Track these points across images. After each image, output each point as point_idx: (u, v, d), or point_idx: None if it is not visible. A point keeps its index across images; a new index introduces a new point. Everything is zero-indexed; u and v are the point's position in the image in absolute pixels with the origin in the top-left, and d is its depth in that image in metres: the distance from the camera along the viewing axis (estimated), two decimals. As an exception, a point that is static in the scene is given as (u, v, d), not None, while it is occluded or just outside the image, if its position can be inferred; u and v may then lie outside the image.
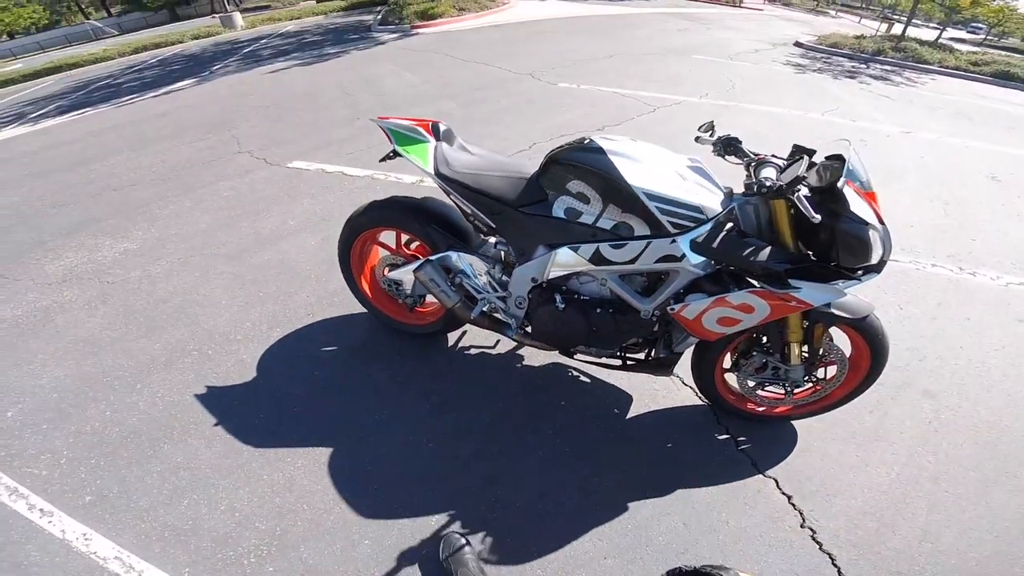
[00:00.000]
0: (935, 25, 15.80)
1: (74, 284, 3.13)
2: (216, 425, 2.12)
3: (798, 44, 11.21)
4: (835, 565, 1.62)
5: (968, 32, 32.86)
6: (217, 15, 25.59)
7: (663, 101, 5.72)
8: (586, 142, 1.64)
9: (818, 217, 1.31)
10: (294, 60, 9.29)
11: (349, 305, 2.70)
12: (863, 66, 9.48)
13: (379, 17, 13.12)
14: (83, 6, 37.09)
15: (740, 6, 20.85)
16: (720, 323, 1.60)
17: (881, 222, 1.40)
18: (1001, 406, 2.19)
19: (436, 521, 1.74)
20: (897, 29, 14.10)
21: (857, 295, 1.66)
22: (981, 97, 7.78)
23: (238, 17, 15.50)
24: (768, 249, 1.49)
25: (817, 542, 1.68)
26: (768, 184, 1.38)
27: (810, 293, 1.48)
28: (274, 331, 2.60)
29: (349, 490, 1.85)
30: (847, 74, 8.32)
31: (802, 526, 1.73)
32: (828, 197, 1.39)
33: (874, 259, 1.41)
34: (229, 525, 1.76)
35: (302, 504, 1.81)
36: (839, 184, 1.36)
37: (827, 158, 1.50)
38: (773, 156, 1.54)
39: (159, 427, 2.14)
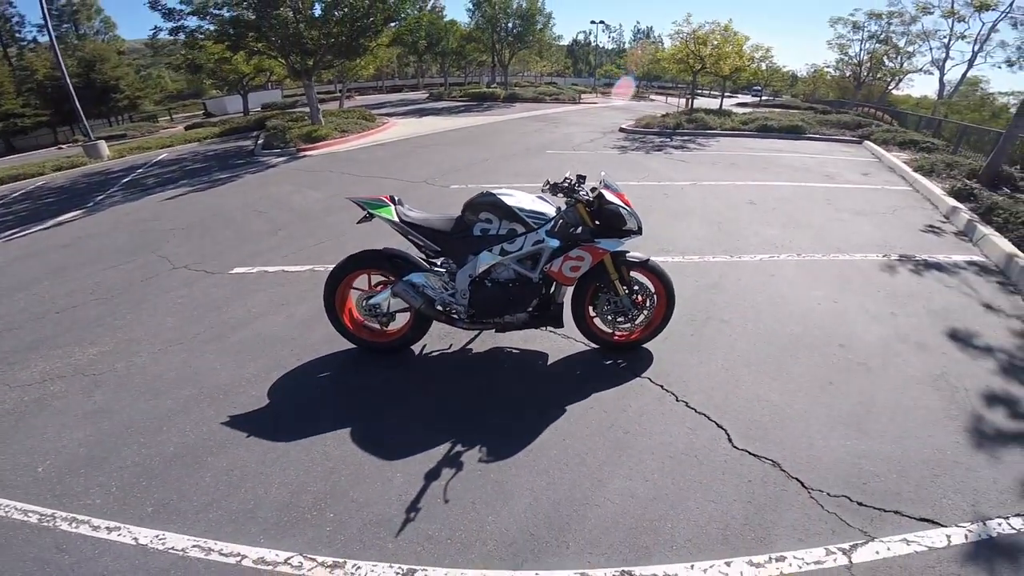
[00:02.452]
0: (724, 93, 20.69)
1: (57, 381, 3.37)
2: (249, 437, 2.74)
3: (622, 129, 14.26)
4: (711, 420, 2.75)
5: (752, 95, 40.57)
6: (64, 146, 24.52)
7: (529, 188, 7.40)
8: (484, 192, 2.98)
9: (586, 198, 2.89)
10: (186, 187, 9.70)
11: (331, 347, 3.52)
12: (668, 139, 12.49)
13: (261, 142, 13.99)
14: None
15: (580, 102, 25.35)
16: (572, 270, 2.92)
17: (628, 206, 2.88)
18: (771, 321, 3.75)
19: (444, 449, 2.60)
20: (696, 102, 18.39)
21: (637, 252, 3.19)
22: (748, 149, 10.80)
23: (103, 146, 15.09)
24: (581, 228, 2.91)
25: (692, 408, 2.85)
26: (564, 188, 2.88)
27: (605, 243, 2.94)
28: (272, 374, 3.30)
29: (373, 448, 2.63)
30: (656, 148, 11.08)
31: (677, 401, 2.91)
32: (599, 199, 2.89)
33: (631, 225, 2.88)
34: (286, 496, 2.34)
35: (340, 465, 2.52)
36: (601, 189, 2.85)
37: (599, 183, 2.98)
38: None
39: (198, 449, 2.66)
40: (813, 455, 2.49)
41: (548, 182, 2.99)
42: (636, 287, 3.15)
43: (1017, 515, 2.15)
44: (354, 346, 3.45)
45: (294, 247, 5.75)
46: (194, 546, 2.11)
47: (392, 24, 15.21)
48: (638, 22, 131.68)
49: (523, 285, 3.01)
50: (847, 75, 33.73)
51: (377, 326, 3.34)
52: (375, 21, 13.60)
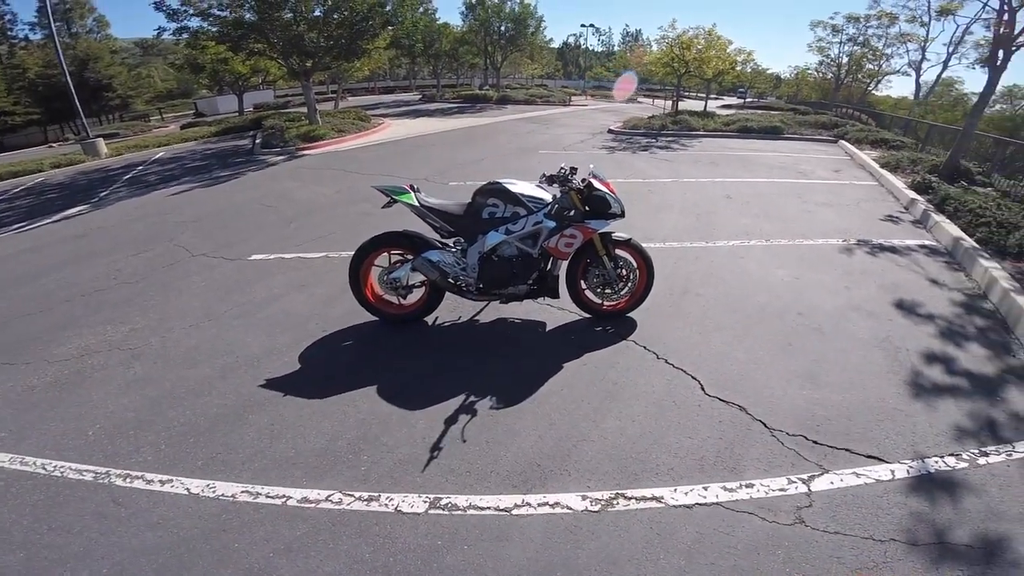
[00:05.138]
0: (710, 95, 21.31)
1: (95, 356, 3.65)
2: (285, 396, 3.11)
3: (610, 131, 14.76)
4: (687, 373, 3.20)
5: (738, 97, 41.09)
6: (55, 144, 24.52)
7: (523, 179, 8.04)
8: (491, 181, 3.44)
9: (578, 186, 3.37)
10: (190, 183, 9.95)
11: (352, 320, 3.92)
12: (653, 140, 13.03)
13: (259, 141, 14.25)
14: None
15: (570, 104, 25.92)
16: (566, 246, 3.38)
17: (613, 193, 3.34)
18: (739, 294, 4.18)
19: (459, 400, 3.01)
20: (682, 104, 19.02)
21: (620, 232, 3.64)
22: (729, 149, 11.38)
23: (101, 144, 15.29)
24: (573, 211, 3.35)
25: (671, 364, 3.29)
26: (559, 178, 3.35)
27: (594, 223, 3.39)
28: (300, 344, 3.69)
29: (397, 401, 3.03)
30: (642, 148, 11.64)
31: (658, 358, 3.35)
32: (589, 187, 3.37)
33: (615, 209, 3.35)
34: (323, 443, 2.70)
35: (370, 416, 2.91)
36: (590, 178, 3.31)
37: (589, 174, 3.44)
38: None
39: (240, 408, 3.00)
40: (774, 402, 2.91)
41: (544, 174, 3.47)
42: (621, 262, 3.63)
43: (951, 454, 2.50)
44: (374, 318, 3.87)
45: (307, 237, 6.12)
46: (243, 491, 2.39)
47: (390, 27, 15.57)
48: (627, 25, 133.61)
49: (525, 260, 3.47)
50: (828, 77, 34.52)
51: (395, 299, 3.76)
52: (374, 24, 13.97)
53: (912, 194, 7.06)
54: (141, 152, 15.66)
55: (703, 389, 3.05)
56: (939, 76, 29.82)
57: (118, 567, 2.05)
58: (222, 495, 2.38)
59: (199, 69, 25.42)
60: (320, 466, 2.56)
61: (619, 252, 3.62)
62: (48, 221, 8.03)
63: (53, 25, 15.03)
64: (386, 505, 2.32)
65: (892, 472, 2.42)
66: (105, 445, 2.76)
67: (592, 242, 3.48)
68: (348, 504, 2.32)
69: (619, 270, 3.62)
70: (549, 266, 3.59)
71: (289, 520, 2.25)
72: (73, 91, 15.11)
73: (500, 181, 3.47)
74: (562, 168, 3.42)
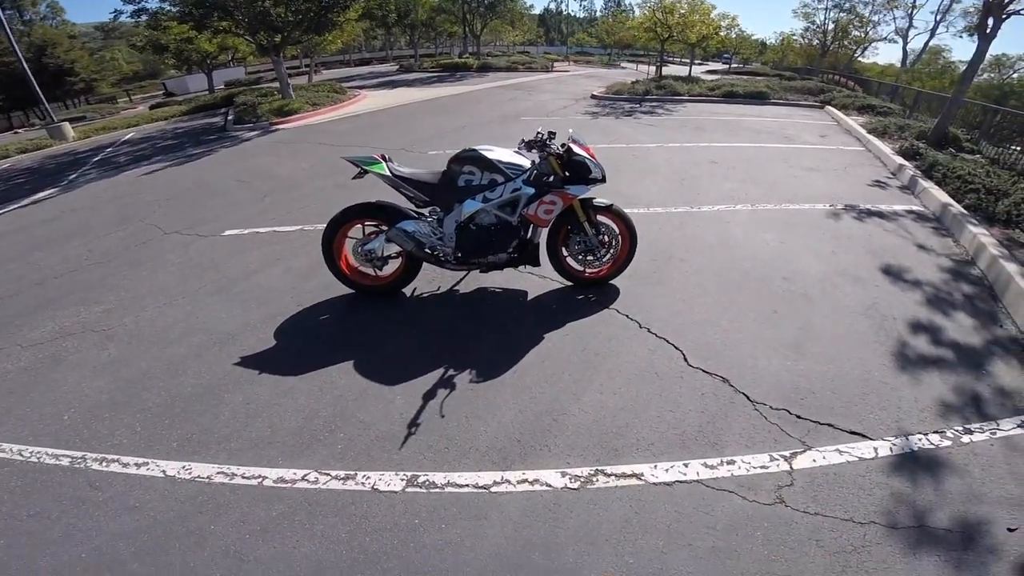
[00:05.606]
0: (695, 61, 20.91)
1: (68, 338, 3.55)
2: (260, 374, 3.03)
3: (594, 96, 14.48)
4: (669, 343, 3.14)
5: (723, 63, 40.45)
6: (20, 130, 23.63)
7: (506, 149, 7.83)
8: (467, 148, 3.30)
9: (557, 151, 3.21)
10: (162, 163, 9.59)
11: (329, 293, 3.82)
12: (637, 105, 12.79)
13: (232, 118, 13.76)
14: None
15: (552, 70, 25.36)
16: (546, 213, 3.28)
17: (593, 158, 3.23)
18: (724, 259, 4.17)
19: (438, 374, 2.94)
20: (666, 70, 18.69)
21: (601, 197, 3.55)
22: (714, 114, 11.20)
23: (68, 128, 14.67)
24: (553, 176, 3.24)
25: (653, 333, 3.23)
26: (538, 144, 3.22)
27: (574, 189, 3.28)
28: (276, 319, 3.59)
29: (374, 376, 2.96)
30: (626, 114, 11.40)
31: (640, 327, 3.29)
32: (568, 152, 3.25)
33: (596, 174, 3.24)
34: (300, 421, 2.64)
35: (346, 392, 2.84)
36: (569, 143, 3.20)
37: (568, 139, 3.33)
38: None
39: (216, 387, 2.93)
40: (757, 373, 2.84)
41: (523, 140, 3.33)
42: (603, 229, 3.54)
43: (935, 431, 2.44)
44: (351, 291, 3.77)
45: (282, 211, 5.94)
46: (218, 472, 2.36)
47: (361, -1, 14.98)
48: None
49: (504, 228, 3.36)
50: (814, 43, 34.03)
51: (371, 271, 3.66)
52: (343, -4, 13.41)
53: (900, 160, 6.99)
54: (110, 134, 15.09)
55: (686, 359, 2.99)
56: (926, 44, 29.69)
57: (97, 551, 2.05)
58: (197, 477, 2.35)
59: (162, 49, 24.37)
60: (296, 445, 2.51)
61: (601, 218, 3.52)
62: (16, 206, 7.72)
63: (2, 13, 14.17)
64: (363, 483, 2.27)
65: (875, 450, 2.36)
66: (81, 429, 2.71)
67: (573, 208, 3.38)
68: (324, 483, 2.28)
69: (601, 236, 3.53)
70: (529, 234, 3.49)
71: (265, 501, 2.21)
72: (32, 77, 14.48)
73: (476, 148, 3.33)
74: (539, 133, 3.28)
